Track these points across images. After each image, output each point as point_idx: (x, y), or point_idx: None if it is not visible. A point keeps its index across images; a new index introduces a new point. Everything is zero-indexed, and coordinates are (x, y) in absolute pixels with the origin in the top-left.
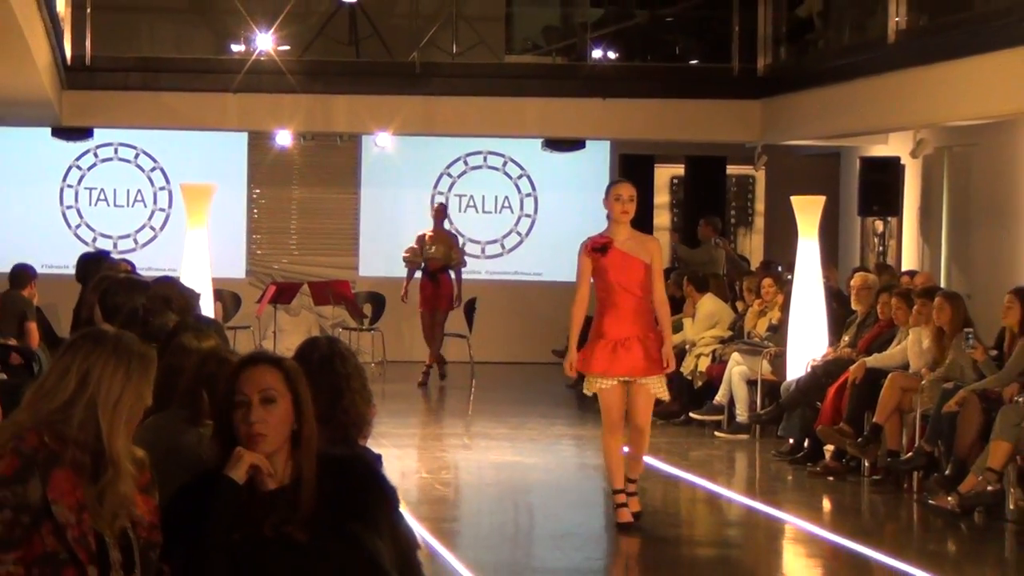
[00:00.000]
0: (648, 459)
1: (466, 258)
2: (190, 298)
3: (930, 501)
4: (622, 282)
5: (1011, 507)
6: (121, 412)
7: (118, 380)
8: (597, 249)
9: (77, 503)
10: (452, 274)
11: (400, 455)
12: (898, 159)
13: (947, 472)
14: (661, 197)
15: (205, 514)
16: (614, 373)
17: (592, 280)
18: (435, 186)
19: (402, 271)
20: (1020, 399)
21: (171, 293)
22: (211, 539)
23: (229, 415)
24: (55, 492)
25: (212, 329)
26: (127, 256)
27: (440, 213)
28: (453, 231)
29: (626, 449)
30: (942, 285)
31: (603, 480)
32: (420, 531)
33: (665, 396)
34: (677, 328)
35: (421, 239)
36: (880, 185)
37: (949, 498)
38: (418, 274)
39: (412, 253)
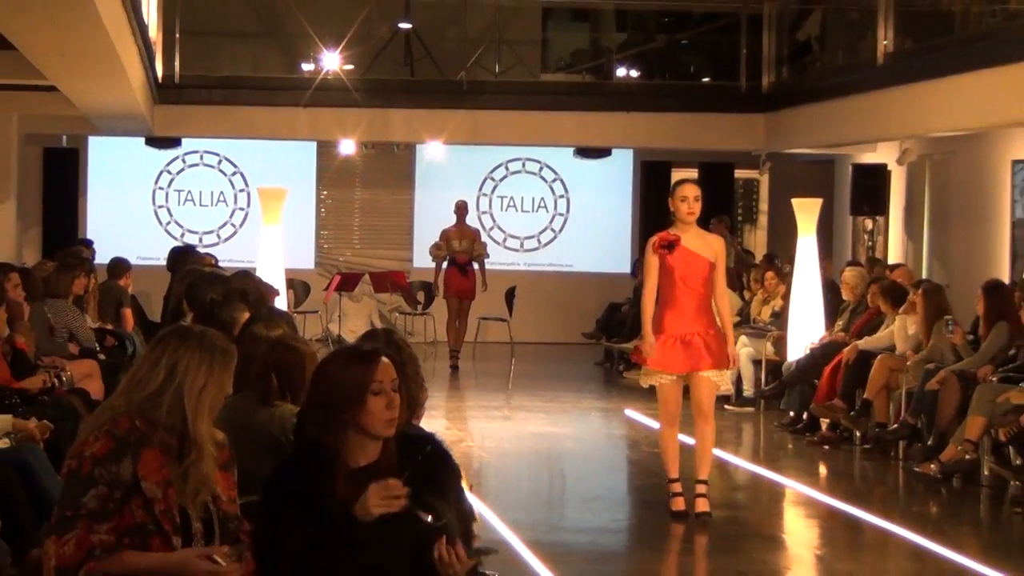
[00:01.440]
0: None
1: (507, 251)
2: (265, 291)
3: (914, 468)
4: (686, 279)
5: (985, 473)
6: (204, 400)
7: (203, 372)
8: (664, 246)
9: (164, 480)
10: (476, 265)
11: (448, 425)
12: (885, 166)
13: (929, 443)
14: None
15: (305, 488)
16: (673, 369)
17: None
18: (480, 189)
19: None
20: (993, 379)
21: (247, 287)
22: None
23: (361, 400)
24: (144, 470)
25: (282, 320)
26: (211, 250)
27: (462, 210)
28: (488, 229)
29: (691, 441)
30: (924, 277)
31: (627, 448)
32: (467, 495)
33: (728, 388)
34: None
35: (446, 234)
36: (870, 188)
37: (931, 465)
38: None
39: (439, 248)
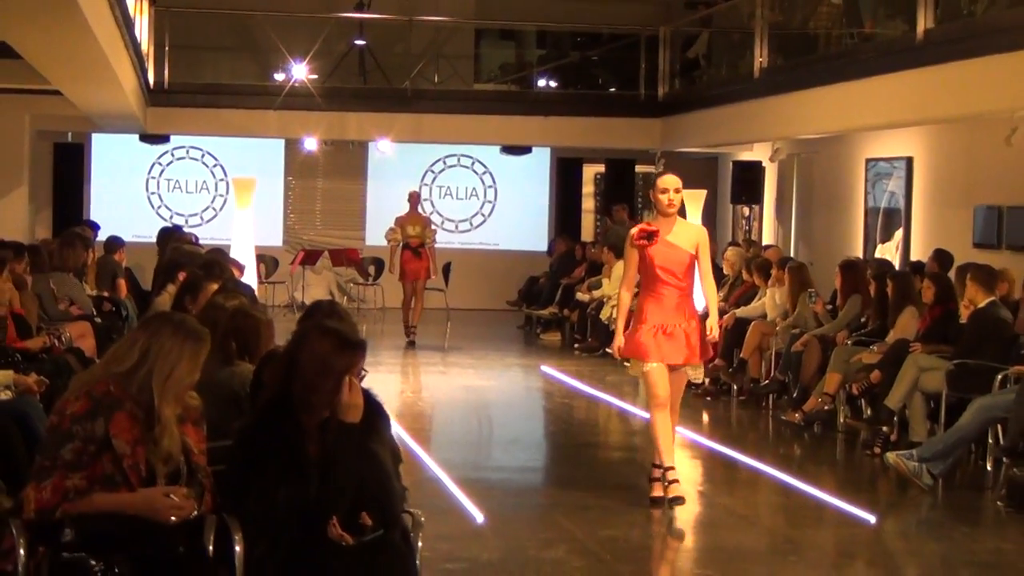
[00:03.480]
0: (573, 383)
1: (444, 232)
2: (231, 266)
3: (782, 417)
4: (666, 271)
5: (841, 421)
6: (171, 385)
7: (171, 358)
8: (643, 238)
9: (133, 439)
10: (427, 248)
11: (392, 379)
12: (760, 162)
13: (795, 395)
14: (587, 188)
15: (282, 446)
16: (656, 359)
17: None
18: (422, 180)
19: None
20: (848, 342)
21: (217, 261)
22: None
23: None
24: (115, 429)
25: (241, 292)
26: (194, 230)
27: (415, 199)
28: (428, 214)
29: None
30: (791, 256)
31: (543, 399)
32: (405, 438)
33: (700, 378)
34: (597, 285)
35: (400, 221)
36: (747, 181)
37: (796, 415)
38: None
39: (393, 233)
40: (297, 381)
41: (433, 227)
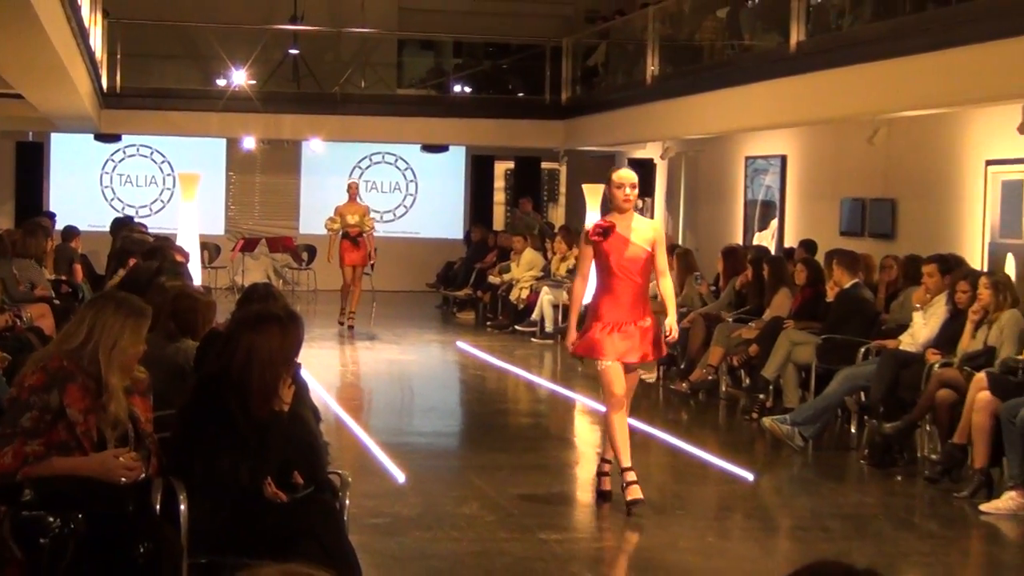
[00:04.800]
0: (486, 357)
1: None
2: (175, 253)
3: (671, 386)
4: (622, 267)
5: (723, 390)
6: (116, 356)
7: (114, 332)
8: (598, 234)
9: (85, 408)
10: (365, 236)
11: (324, 354)
12: (652, 160)
13: (682, 367)
14: (498, 183)
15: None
16: (611, 357)
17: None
18: (350, 175)
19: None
20: (729, 319)
21: (159, 247)
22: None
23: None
24: (68, 399)
25: (179, 275)
26: (144, 220)
27: (353, 189)
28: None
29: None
30: (679, 243)
31: (458, 371)
32: (335, 406)
33: (652, 378)
34: (507, 269)
35: (339, 210)
36: (640, 177)
37: (683, 384)
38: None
39: (332, 222)
40: (256, 370)
41: (372, 216)
